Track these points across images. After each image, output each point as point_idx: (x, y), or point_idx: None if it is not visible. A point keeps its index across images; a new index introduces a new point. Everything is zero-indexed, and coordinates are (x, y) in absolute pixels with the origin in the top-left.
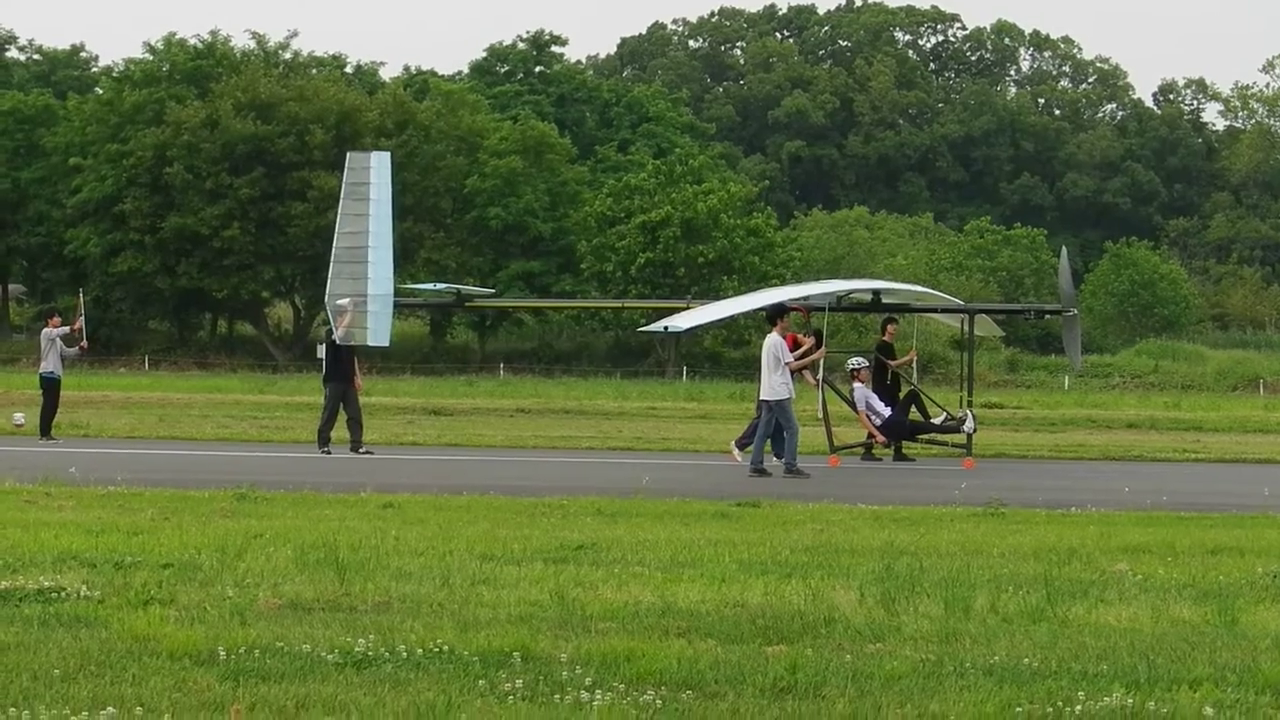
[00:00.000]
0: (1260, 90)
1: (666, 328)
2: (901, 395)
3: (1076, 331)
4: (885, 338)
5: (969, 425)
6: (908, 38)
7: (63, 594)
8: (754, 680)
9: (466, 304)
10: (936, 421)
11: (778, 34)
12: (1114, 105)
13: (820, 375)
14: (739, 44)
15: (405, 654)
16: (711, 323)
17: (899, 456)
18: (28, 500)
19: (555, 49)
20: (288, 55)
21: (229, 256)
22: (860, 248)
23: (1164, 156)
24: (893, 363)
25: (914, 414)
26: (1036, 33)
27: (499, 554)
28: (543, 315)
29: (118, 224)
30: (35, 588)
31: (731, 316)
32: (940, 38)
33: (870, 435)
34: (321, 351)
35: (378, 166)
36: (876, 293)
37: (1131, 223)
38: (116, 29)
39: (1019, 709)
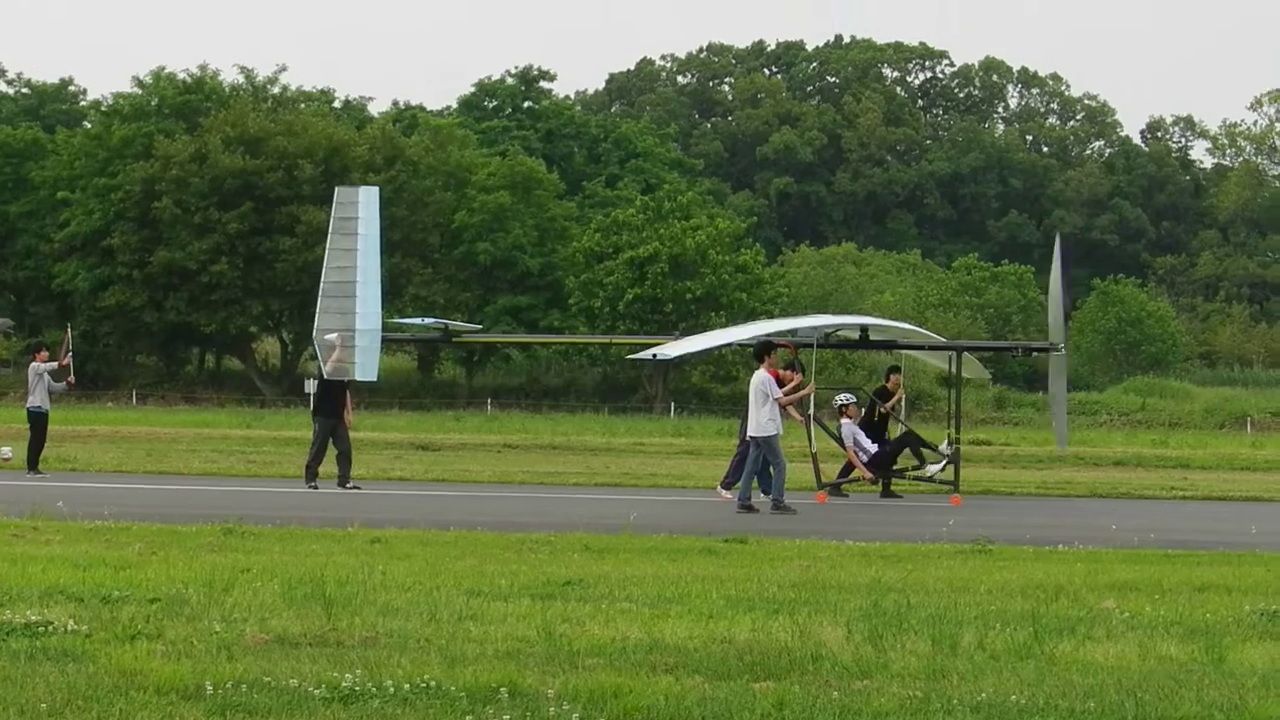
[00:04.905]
0: (1248, 128)
1: (655, 355)
2: (893, 435)
3: (1063, 392)
4: (887, 385)
5: (936, 468)
6: (896, 74)
7: (50, 628)
8: (741, 717)
9: (454, 339)
10: (931, 468)
11: (766, 70)
12: (1102, 142)
13: (809, 411)
14: (727, 80)
15: (392, 689)
16: (700, 352)
17: (886, 493)
18: (15, 534)
19: (544, 85)
20: (276, 90)
21: (217, 291)
22: (848, 284)
23: (1152, 194)
24: (884, 405)
25: (906, 458)
26: (1025, 70)
27: (486, 589)
28: (530, 350)
29: (106, 258)
30: (22, 622)
31: (720, 347)
32: (928, 74)
33: (847, 468)
34: (310, 386)
35: (366, 201)
36: (864, 329)
37: (1119, 260)
38: (105, 63)
39: None
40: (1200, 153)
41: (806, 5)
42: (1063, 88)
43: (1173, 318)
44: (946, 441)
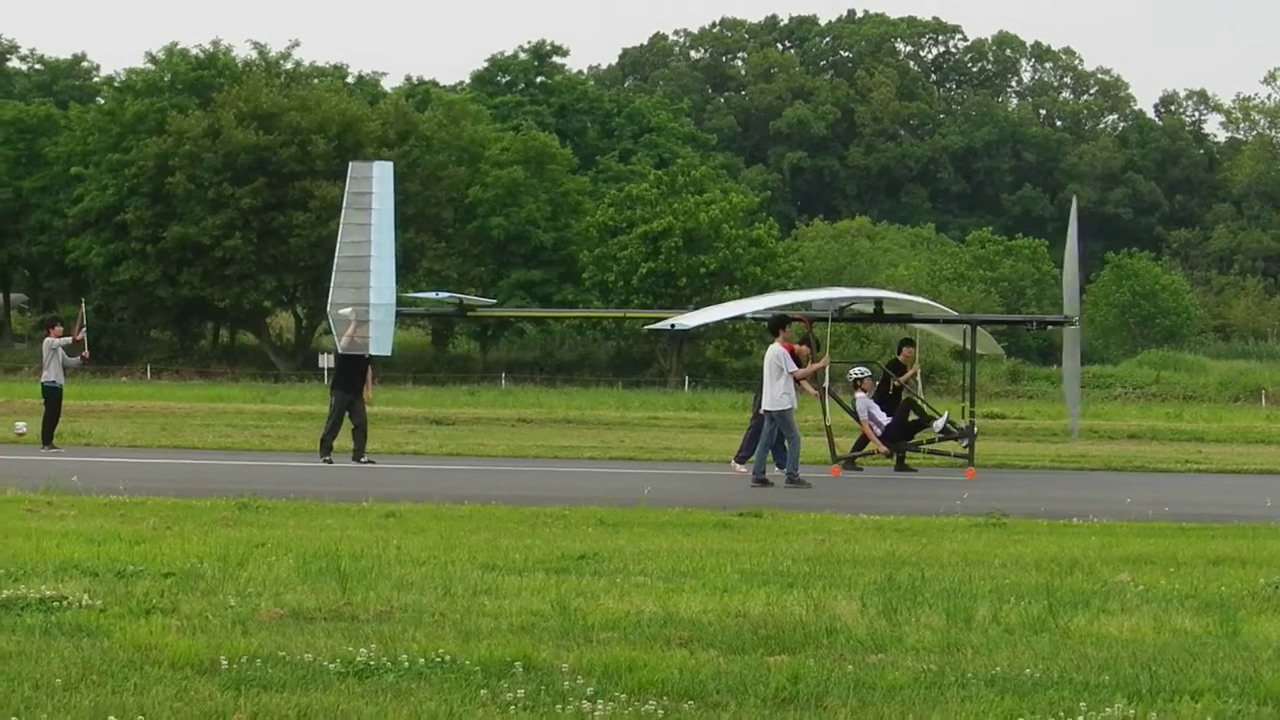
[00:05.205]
0: (1261, 102)
1: (673, 325)
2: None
3: (1076, 369)
4: (900, 358)
5: (940, 423)
6: (909, 49)
7: (65, 603)
8: (756, 690)
9: (468, 314)
10: (936, 422)
11: (779, 44)
12: (1115, 116)
13: (824, 385)
14: (740, 54)
15: (407, 663)
16: (717, 322)
17: (901, 467)
18: (30, 509)
19: (556, 59)
20: (289, 65)
21: (231, 266)
22: (862, 258)
23: (1165, 167)
24: (898, 378)
25: (926, 433)
26: (1038, 44)
27: (501, 564)
28: (544, 325)
29: (119, 233)
30: (37, 597)
31: (736, 317)
32: (941, 49)
33: (861, 441)
34: (325, 361)
35: (380, 176)
36: (879, 302)
37: (1133, 233)
38: (118, 39)
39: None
40: (1214, 126)
41: None
42: (1076, 61)
43: (1187, 291)
44: (970, 420)
